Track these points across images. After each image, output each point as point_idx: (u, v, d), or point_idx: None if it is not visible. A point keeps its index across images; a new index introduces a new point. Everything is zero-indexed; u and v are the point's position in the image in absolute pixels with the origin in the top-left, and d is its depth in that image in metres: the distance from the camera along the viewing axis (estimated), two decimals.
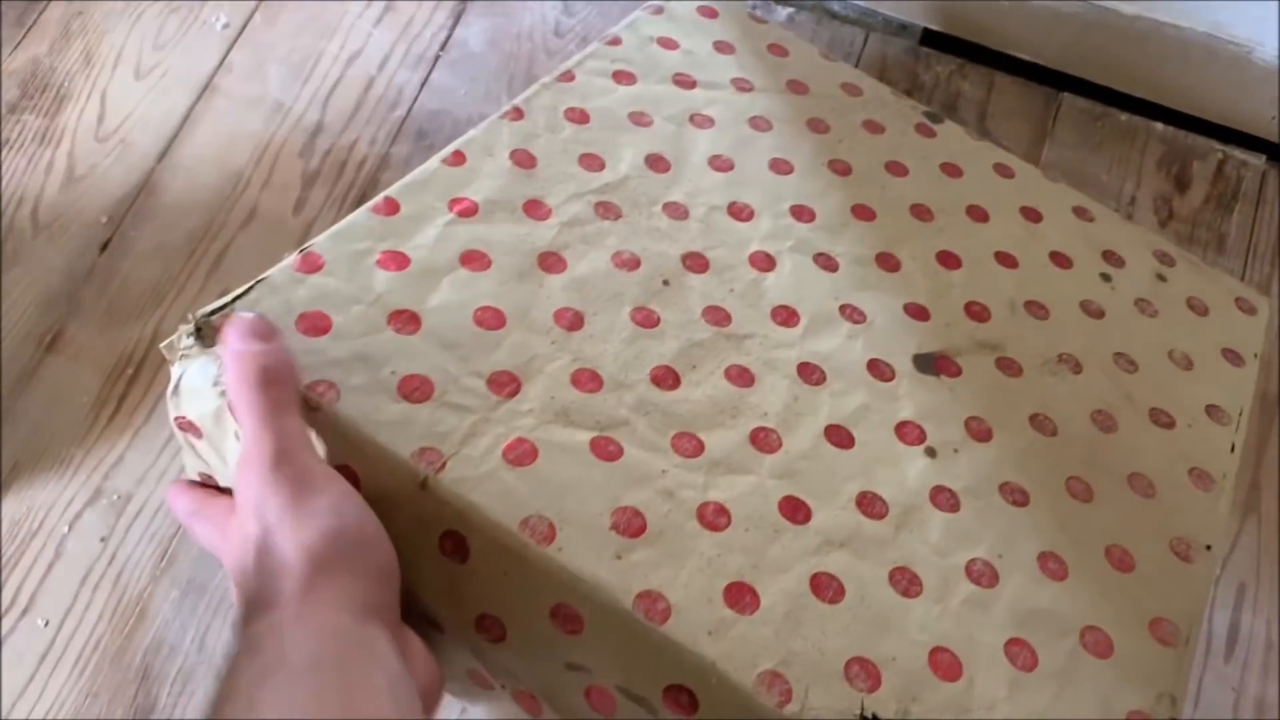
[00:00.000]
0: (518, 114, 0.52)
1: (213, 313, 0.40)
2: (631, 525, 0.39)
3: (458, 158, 0.49)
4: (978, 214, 0.55)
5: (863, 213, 0.53)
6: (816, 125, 0.56)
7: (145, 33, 0.85)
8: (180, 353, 0.40)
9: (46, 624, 0.64)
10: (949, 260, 0.52)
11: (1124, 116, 0.87)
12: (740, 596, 0.38)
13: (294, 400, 0.38)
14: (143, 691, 0.63)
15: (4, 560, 0.66)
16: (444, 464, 0.39)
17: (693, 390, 0.44)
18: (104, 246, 0.76)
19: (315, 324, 0.41)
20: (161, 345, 0.41)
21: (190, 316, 0.40)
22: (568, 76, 0.54)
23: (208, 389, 0.40)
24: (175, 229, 0.76)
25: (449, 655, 0.43)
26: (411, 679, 0.35)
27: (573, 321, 0.45)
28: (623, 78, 0.55)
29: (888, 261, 0.51)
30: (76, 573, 0.66)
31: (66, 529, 0.67)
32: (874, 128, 0.57)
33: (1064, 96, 0.88)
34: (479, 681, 0.44)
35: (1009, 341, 0.50)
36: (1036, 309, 0.51)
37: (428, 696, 0.38)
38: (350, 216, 0.45)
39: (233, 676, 0.32)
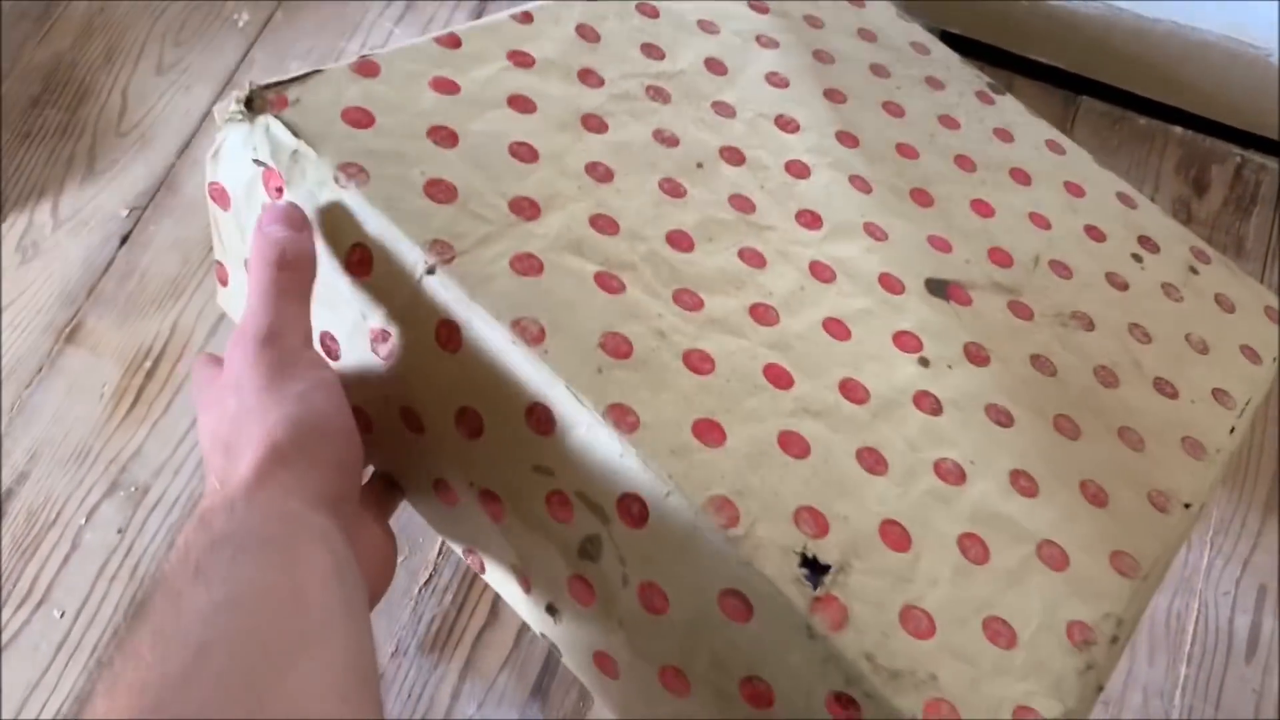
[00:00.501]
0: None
1: (268, 86, 0.42)
2: (619, 349, 0.40)
3: (525, 17, 0.51)
4: (1020, 176, 0.55)
5: (907, 151, 0.54)
6: (879, 70, 0.57)
7: (167, 29, 0.85)
8: (228, 117, 0.42)
9: (62, 615, 0.64)
10: (982, 208, 0.53)
11: (1142, 120, 0.88)
12: (709, 431, 0.39)
13: (304, 290, 0.40)
14: None
15: (21, 550, 0.66)
16: (453, 258, 0.40)
17: (705, 258, 0.45)
18: (124, 240, 0.77)
19: (359, 118, 0.43)
20: (215, 107, 0.44)
21: (247, 83, 0.41)
22: None
23: (245, 157, 0.43)
24: (195, 223, 0.77)
25: (422, 463, 0.44)
26: (358, 568, 0.36)
27: (603, 175, 0.46)
28: None
29: (921, 197, 0.52)
30: (93, 564, 0.66)
31: (84, 520, 0.67)
32: (935, 84, 0.58)
33: (1082, 99, 0.88)
34: (444, 496, 0.45)
35: (1026, 290, 0.50)
36: (1060, 268, 0.52)
37: (375, 589, 0.40)
38: (413, 41, 0.47)
39: (184, 546, 0.32)
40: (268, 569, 0.32)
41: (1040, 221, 0.53)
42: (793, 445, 0.40)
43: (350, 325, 0.43)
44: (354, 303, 0.42)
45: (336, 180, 0.41)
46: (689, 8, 0.55)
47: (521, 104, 0.47)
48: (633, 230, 0.44)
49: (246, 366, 0.37)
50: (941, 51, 0.61)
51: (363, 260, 0.41)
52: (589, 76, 0.50)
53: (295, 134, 0.42)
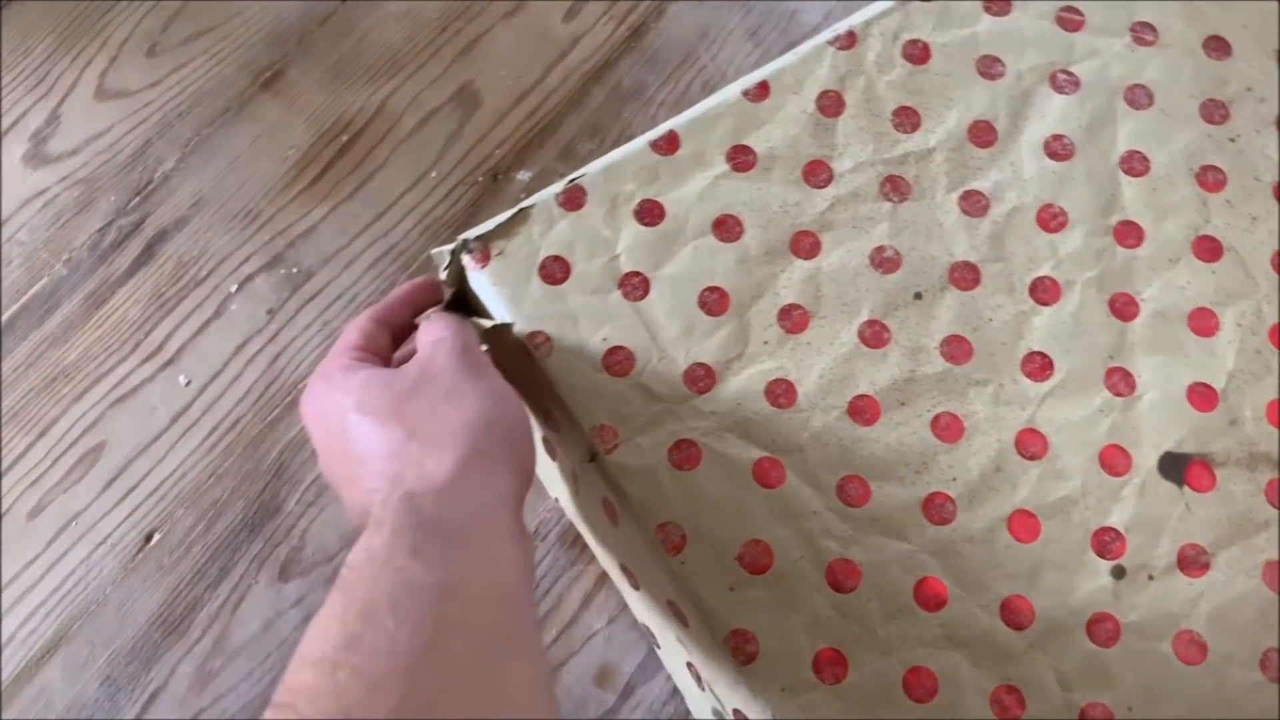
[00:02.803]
0: (849, 41, 0.46)
1: (477, 238, 0.43)
2: (758, 562, 0.39)
3: (761, 91, 0.45)
4: None
5: (1207, 249, 0.44)
6: (1213, 111, 0.46)
7: None
8: (442, 268, 0.44)
9: (189, 383, 0.57)
10: None
11: None
12: (831, 665, 0.38)
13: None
14: (271, 489, 0.56)
15: (161, 301, 0.59)
16: (615, 446, 0.40)
17: (888, 431, 0.41)
18: None
19: (554, 272, 0.43)
20: (432, 251, 0.45)
21: (459, 240, 0.43)
22: None
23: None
24: None
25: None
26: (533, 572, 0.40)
27: (795, 323, 0.43)
28: (996, 5, 0.47)
29: (1204, 321, 0.43)
30: (233, 338, 0.59)
31: (234, 288, 0.60)
32: None
33: None
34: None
35: None
36: None
37: None
38: (628, 147, 0.45)
39: (392, 522, 0.33)
40: (477, 562, 0.33)
41: None
42: (919, 685, 0.38)
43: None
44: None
45: (528, 350, 0.42)
46: (972, 37, 0.46)
47: (727, 227, 0.44)
48: (812, 399, 0.42)
49: (446, 354, 0.38)
50: None
51: (551, 420, 0.44)
52: (818, 172, 0.44)
53: (495, 298, 0.43)
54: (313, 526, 0.57)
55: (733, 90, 0.45)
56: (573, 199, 0.44)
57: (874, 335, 0.42)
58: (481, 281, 0.42)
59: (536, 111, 0.66)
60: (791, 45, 0.67)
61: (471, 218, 0.63)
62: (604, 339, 0.41)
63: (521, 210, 0.43)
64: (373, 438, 0.36)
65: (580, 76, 0.66)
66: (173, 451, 0.58)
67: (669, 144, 0.44)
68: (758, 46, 0.67)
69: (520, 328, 0.41)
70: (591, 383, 0.41)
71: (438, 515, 0.33)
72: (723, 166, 0.44)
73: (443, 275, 0.45)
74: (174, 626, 0.55)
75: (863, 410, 0.41)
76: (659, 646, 0.48)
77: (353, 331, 0.41)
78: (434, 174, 0.64)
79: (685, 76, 0.67)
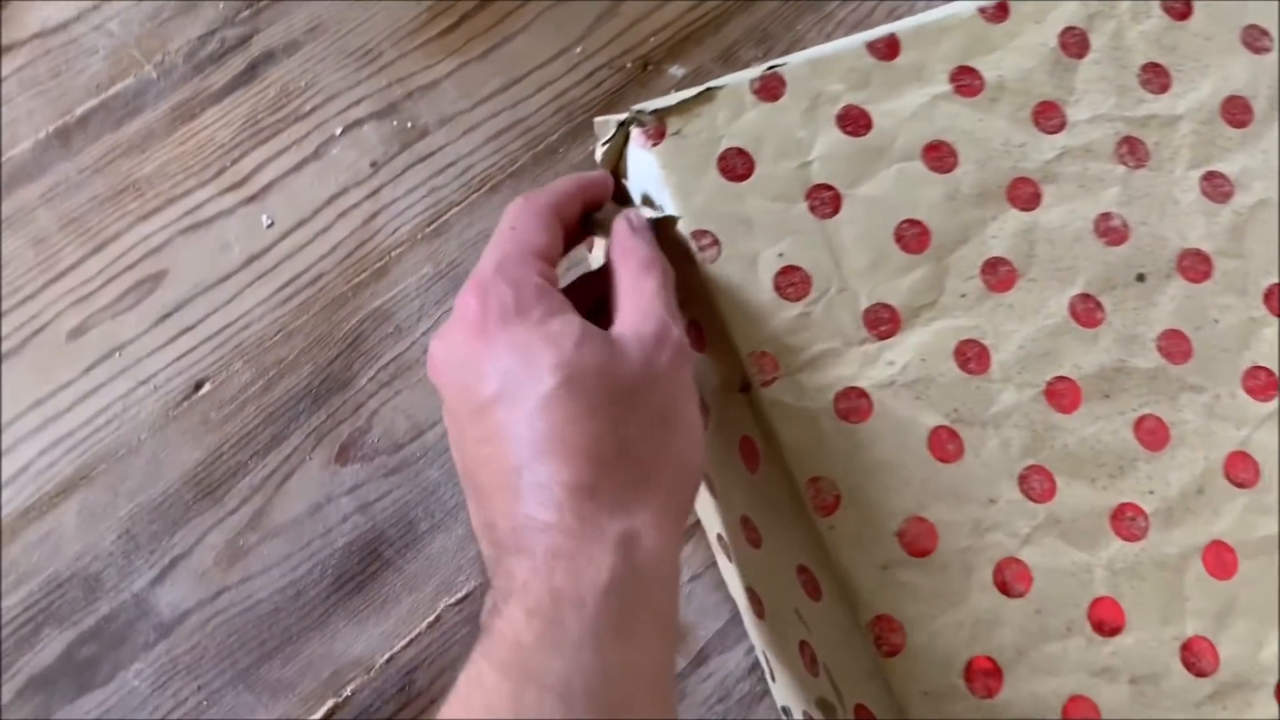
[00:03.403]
0: None
1: (653, 112, 0.38)
2: (919, 544, 0.34)
3: (1000, 12, 0.40)
4: None
5: None
6: None
7: None
8: (603, 140, 0.40)
9: (271, 225, 0.51)
10: None
11: None
12: (984, 677, 0.33)
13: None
14: (343, 359, 0.50)
15: (257, 128, 0.52)
16: (773, 379, 0.36)
17: (1087, 424, 0.36)
18: None
19: (734, 166, 0.38)
20: (596, 120, 0.40)
21: (631, 110, 0.38)
22: None
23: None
24: None
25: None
26: None
27: (1001, 280, 0.38)
28: None
29: None
30: (329, 185, 0.53)
31: (338, 130, 0.53)
32: None
33: None
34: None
35: None
36: None
37: None
38: (841, 43, 0.40)
39: (611, 574, 0.27)
40: (651, 647, 0.28)
41: None
42: (1078, 713, 0.33)
43: None
44: None
45: (689, 249, 0.37)
46: (1242, 3, 0.41)
47: (940, 156, 0.39)
48: (1007, 370, 0.36)
49: (674, 351, 0.31)
50: None
51: (698, 337, 0.39)
52: (1049, 115, 0.39)
53: (663, 184, 0.37)
54: (383, 409, 0.50)
55: (967, 5, 0.40)
56: (769, 88, 0.38)
57: (1086, 312, 0.37)
58: (649, 162, 0.37)
59: (703, 3, 0.58)
60: None
61: (611, 106, 0.56)
62: (780, 254, 0.37)
63: (708, 90, 0.38)
64: (577, 449, 0.28)
65: None
66: (241, 296, 0.51)
67: (888, 49, 0.39)
68: None
69: (686, 224, 0.36)
70: (757, 302, 0.36)
71: (635, 595, 0.27)
72: (944, 86, 0.39)
73: (599, 150, 0.40)
74: (210, 490, 0.48)
75: (1062, 394, 0.36)
76: (761, 617, 0.42)
77: (535, 226, 0.33)
78: (579, 49, 0.57)
79: None
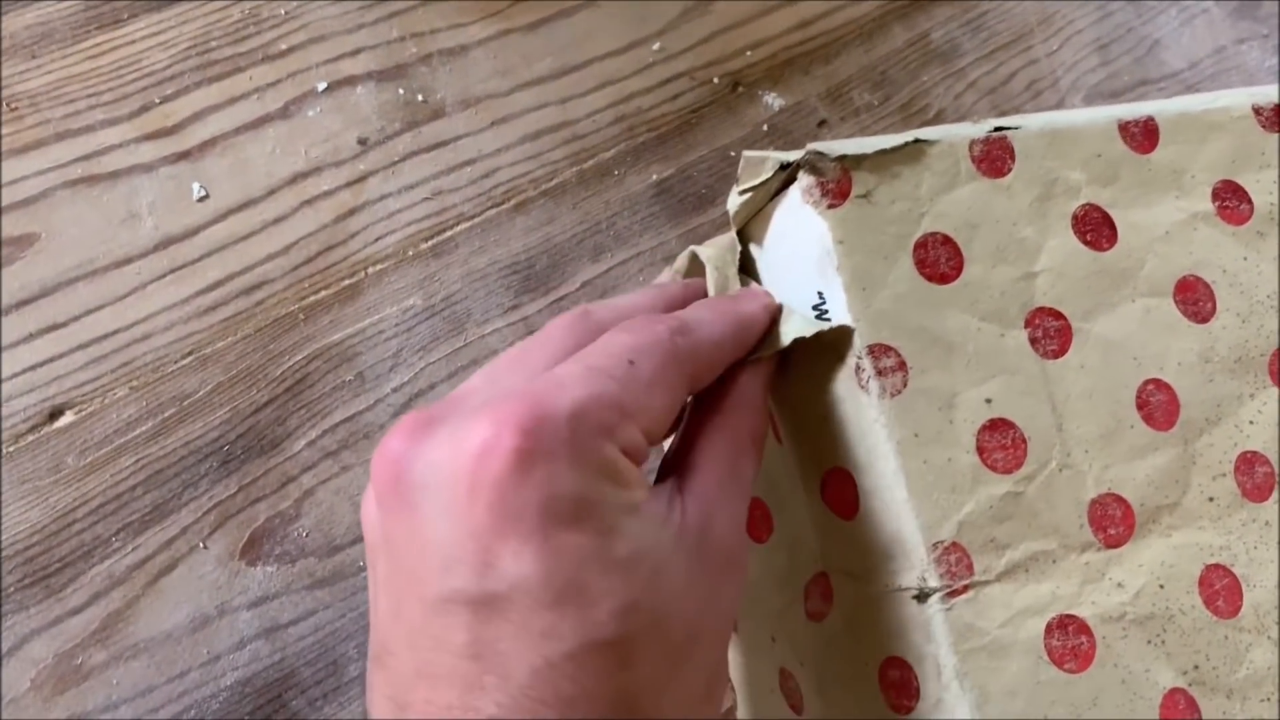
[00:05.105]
0: None
1: (838, 158, 0.27)
2: None
3: (1276, 116, 0.32)
4: None
5: None
6: None
7: None
8: (753, 182, 0.28)
9: (204, 198, 0.40)
10: None
11: None
12: None
13: None
14: (275, 409, 0.39)
15: (204, 61, 0.37)
16: (964, 588, 0.26)
17: None
18: None
19: (937, 260, 0.27)
20: (746, 153, 0.28)
21: (808, 148, 0.27)
22: None
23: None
24: None
25: None
26: None
27: (1259, 485, 0.29)
28: None
29: None
30: (295, 159, 0.42)
31: (322, 86, 0.40)
32: None
33: None
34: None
35: None
36: None
37: None
38: (1085, 115, 0.30)
39: None
40: None
41: None
42: None
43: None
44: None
45: (858, 369, 0.26)
46: None
47: (1194, 298, 0.29)
48: (1262, 616, 0.28)
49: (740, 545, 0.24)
50: None
51: (841, 497, 0.28)
52: None
53: (831, 266, 0.27)
54: (320, 490, 0.35)
55: (1237, 97, 0.31)
56: (992, 157, 0.29)
57: None
58: (815, 230, 0.27)
59: (814, 24, 0.46)
60: (1145, 80, 0.51)
61: (687, 127, 0.43)
62: (988, 400, 0.27)
63: (918, 142, 0.28)
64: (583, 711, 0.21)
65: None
66: (142, 293, 0.36)
67: (1145, 137, 0.30)
68: (1104, 64, 0.49)
69: (862, 332, 0.26)
70: (953, 467, 0.26)
71: None
72: (1205, 205, 0.30)
73: (737, 198, 0.29)
74: (45, 575, 0.33)
75: None
76: None
77: (661, 379, 0.23)
78: (656, 46, 0.43)
79: (1010, 62, 0.48)
